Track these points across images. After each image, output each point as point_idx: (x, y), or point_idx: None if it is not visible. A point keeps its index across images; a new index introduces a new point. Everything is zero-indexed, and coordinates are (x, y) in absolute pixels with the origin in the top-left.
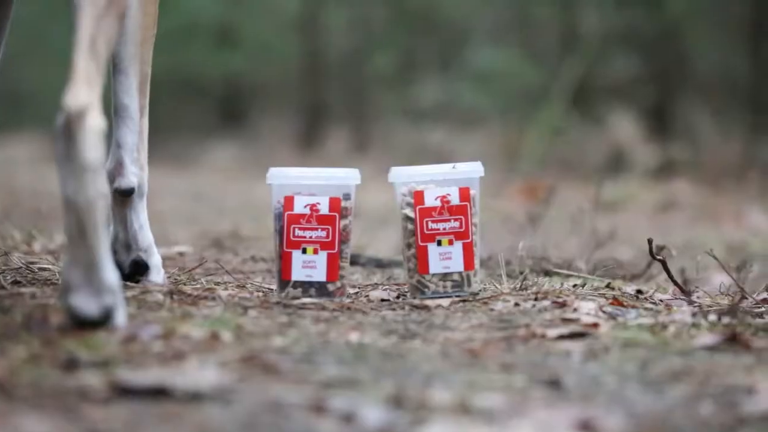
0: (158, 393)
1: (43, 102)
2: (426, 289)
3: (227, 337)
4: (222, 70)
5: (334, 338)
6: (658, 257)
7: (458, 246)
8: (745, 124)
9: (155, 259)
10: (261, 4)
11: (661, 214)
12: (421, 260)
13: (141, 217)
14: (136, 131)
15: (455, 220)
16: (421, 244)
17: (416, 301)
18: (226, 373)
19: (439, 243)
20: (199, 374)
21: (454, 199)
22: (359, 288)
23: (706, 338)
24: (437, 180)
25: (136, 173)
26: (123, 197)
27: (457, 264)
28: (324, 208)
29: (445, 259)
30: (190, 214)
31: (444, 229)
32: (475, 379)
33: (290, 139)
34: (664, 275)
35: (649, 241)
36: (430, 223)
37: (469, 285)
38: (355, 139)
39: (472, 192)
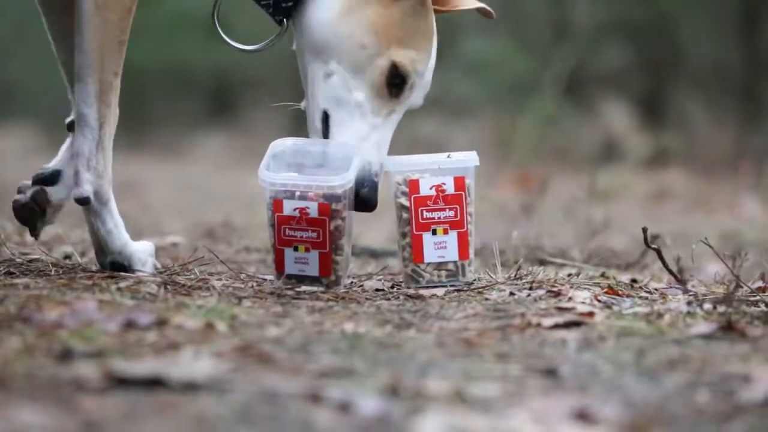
0: (153, 383)
1: (32, 93)
2: (420, 279)
3: (222, 328)
4: (212, 62)
5: (329, 328)
6: (653, 246)
7: (453, 235)
8: (737, 113)
9: (135, 256)
10: None
11: (654, 204)
12: (415, 249)
13: (108, 223)
14: (93, 140)
15: (450, 209)
16: (416, 233)
17: (411, 291)
18: (221, 363)
19: (434, 232)
20: (194, 364)
21: (449, 189)
22: (354, 278)
23: (702, 327)
24: (432, 169)
25: (91, 182)
26: (82, 206)
27: (452, 253)
28: (313, 212)
29: (439, 248)
30: (181, 205)
31: (439, 218)
32: (471, 368)
33: (280, 130)
34: (659, 264)
35: (644, 230)
36: (425, 212)
37: (464, 274)
38: None
39: (467, 181)
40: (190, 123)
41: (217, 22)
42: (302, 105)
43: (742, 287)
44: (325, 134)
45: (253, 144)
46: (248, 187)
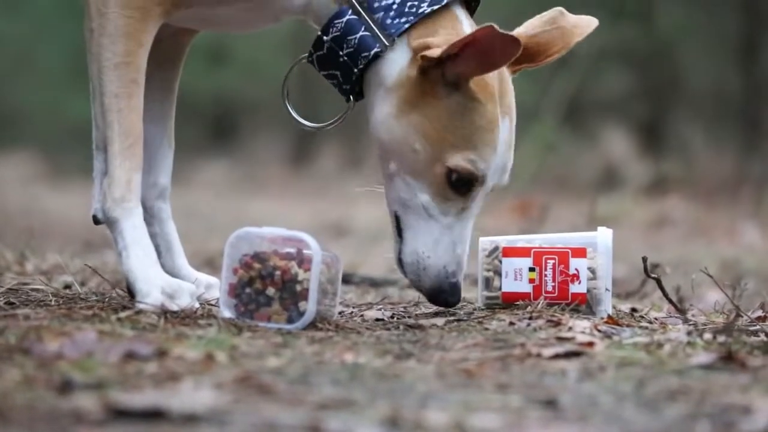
0: (153, 415)
1: (33, 121)
2: None
3: (222, 358)
4: (213, 89)
5: (329, 359)
6: (653, 275)
7: None
8: (737, 140)
9: (137, 285)
10: None
11: (654, 231)
12: None
13: (118, 243)
14: (101, 161)
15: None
16: None
17: (411, 321)
18: (221, 395)
19: None
20: (194, 396)
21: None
22: (354, 307)
23: (702, 357)
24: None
25: (99, 201)
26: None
27: None
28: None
29: None
30: (182, 233)
31: None
32: (471, 399)
33: (281, 157)
34: (659, 293)
35: (644, 260)
36: None
37: None
38: (347, 156)
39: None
40: (192, 149)
41: (287, 99)
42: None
43: (742, 317)
44: (400, 233)
45: (254, 171)
46: (248, 214)
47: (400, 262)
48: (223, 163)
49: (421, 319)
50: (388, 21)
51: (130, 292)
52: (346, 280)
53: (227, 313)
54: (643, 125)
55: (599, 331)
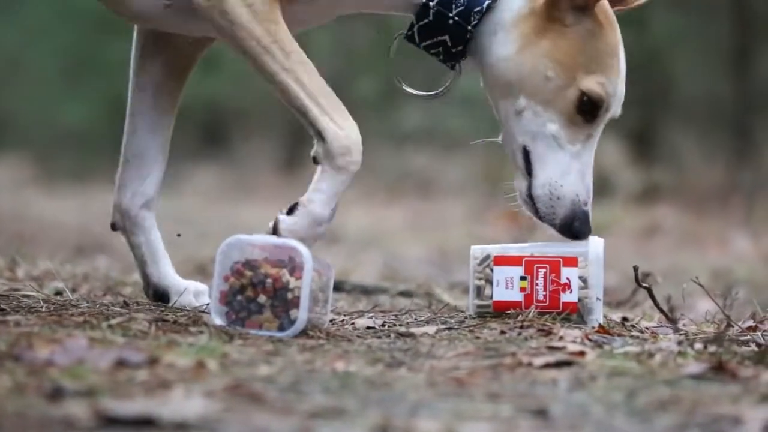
0: (144, 423)
1: (25, 126)
2: None
3: (213, 366)
4: (204, 95)
5: (320, 367)
6: (644, 284)
7: None
8: (728, 148)
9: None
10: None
11: (645, 239)
12: None
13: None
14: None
15: None
16: None
17: (402, 329)
18: (212, 403)
19: None
20: (185, 404)
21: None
22: (345, 316)
23: (693, 367)
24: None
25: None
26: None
27: None
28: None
29: None
30: (172, 239)
31: None
32: (462, 408)
33: (272, 163)
34: (650, 302)
35: (635, 269)
36: None
37: None
38: None
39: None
40: (183, 156)
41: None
42: (499, 139)
43: (732, 326)
44: (528, 169)
45: (245, 177)
46: (240, 220)
47: (529, 197)
48: (214, 170)
49: (412, 327)
50: None
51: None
52: (338, 287)
53: (218, 321)
54: (634, 133)
55: (590, 340)
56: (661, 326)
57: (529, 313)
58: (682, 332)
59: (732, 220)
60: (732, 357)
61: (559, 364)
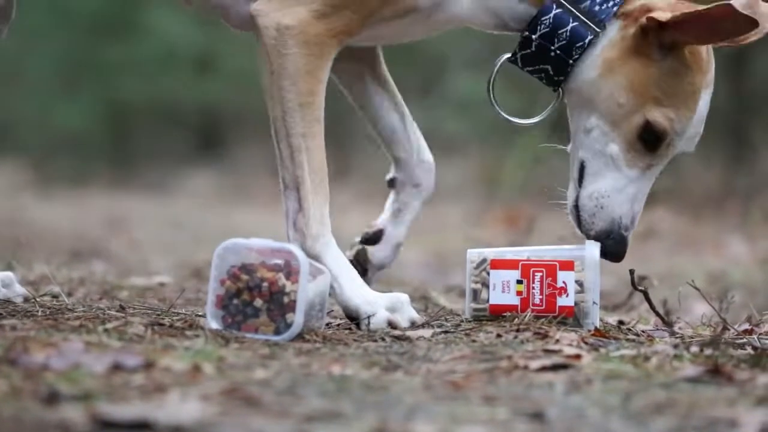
0: (140, 427)
1: (21, 130)
2: None
3: (209, 370)
4: (200, 98)
5: (316, 370)
6: (640, 288)
7: None
8: (725, 152)
9: (363, 308)
10: (239, 33)
11: (641, 243)
12: None
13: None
14: (294, 200)
15: None
16: None
17: (398, 332)
18: (208, 406)
19: None
20: (181, 407)
21: None
22: (341, 319)
23: (689, 370)
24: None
25: (296, 240)
26: None
27: None
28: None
29: None
30: (169, 243)
31: None
32: (458, 411)
33: (268, 167)
34: (646, 305)
35: (631, 272)
36: None
37: None
38: (335, 166)
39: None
40: (178, 159)
41: (492, 96)
42: (568, 148)
43: (728, 330)
44: (580, 181)
45: (241, 181)
46: (236, 224)
47: (575, 208)
48: (210, 174)
49: (408, 330)
50: (596, 8)
51: (352, 319)
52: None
53: (214, 325)
54: None
55: (586, 343)
56: (657, 329)
57: (525, 317)
58: (678, 335)
59: (728, 224)
60: (728, 360)
61: (555, 368)
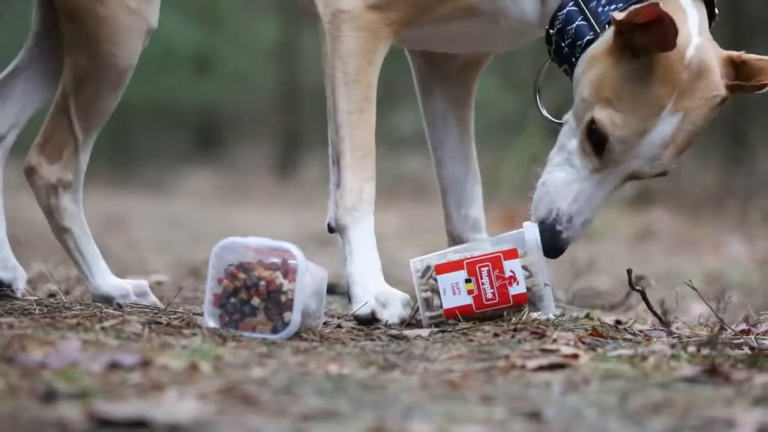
0: (137, 425)
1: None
2: None
3: (206, 368)
4: (199, 98)
5: (314, 369)
6: (637, 288)
7: None
8: (722, 153)
9: (355, 289)
10: (238, 32)
11: (639, 243)
12: None
13: (346, 251)
14: (335, 173)
15: None
16: None
17: (395, 331)
18: (205, 405)
19: None
20: (178, 406)
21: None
22: (338, 318)
23: (686, 370)
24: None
25: (332, 211)
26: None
27: None
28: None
29: None
30: (166, 242)
31: None
32: (455, 411)
33: (266, 166)
34: (644, 305)
35: (629, 272)
36: None
37: None
38: None
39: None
40: (176, 159)
41: (537, 96)
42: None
43: (726, 330)
44: None
45: (239, 180)
46: (234, 223)
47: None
48: (209, 173)
49: (405, 329)
50: (600, 9)
51: (349, 297)
52: (331, 290)
53: (212, 323)
54: None
55: (583, 343)
56: (655, 329)
57: (523, 315)
58: (675, 335)
59: (726, 224)
60: (725, 360)
61: (552, 367)
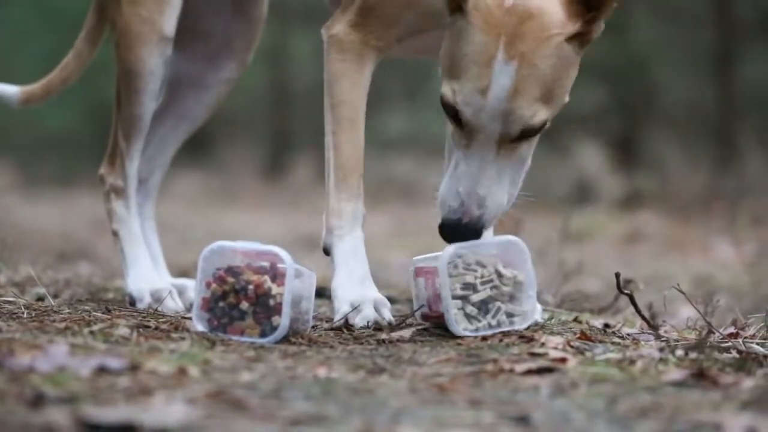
0: (125, 429)
1: (6, 131)
2: None
3: (195, 372)
4: None
5: (302, 373)
6: (626, 291)
7: None
8: (711, 155)
9: (336, 302)
10: None
11: (627, 245)
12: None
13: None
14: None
15: None
16: None
17: (384, 335)
18: (193, 409)
19: None
20: (166, 410)
21: None
22: (327, 322)
23: (674, 374)
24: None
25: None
26: None
27: None
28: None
29: None
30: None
31: None
32: (444, 415)
33: (256, 168)
34: (632, 308)
35: (617, 275)
36: None
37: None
38: (321, 169)
39: None
40: None
41: None
42: None
43: (714, 333)
44: None
45: (228, 183)
46: (223, 226)
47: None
48: (198, 176)
49: (392, 332)
50: None
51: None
52: (320, 294)
53: (200, 327)
54: (617, 140)
55: (572, 347)
56: (643, 333)
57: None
58: (663, 339)
59: (714, 227)
60: (713, 364)
61: (540, 371)
